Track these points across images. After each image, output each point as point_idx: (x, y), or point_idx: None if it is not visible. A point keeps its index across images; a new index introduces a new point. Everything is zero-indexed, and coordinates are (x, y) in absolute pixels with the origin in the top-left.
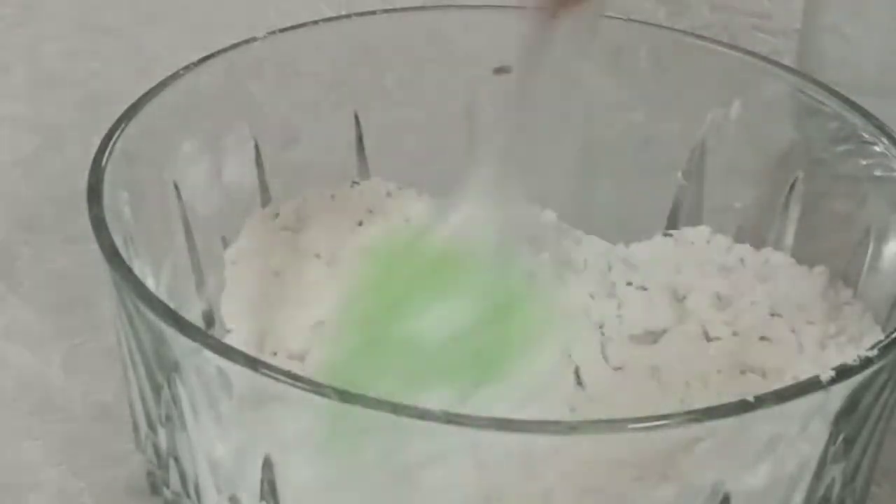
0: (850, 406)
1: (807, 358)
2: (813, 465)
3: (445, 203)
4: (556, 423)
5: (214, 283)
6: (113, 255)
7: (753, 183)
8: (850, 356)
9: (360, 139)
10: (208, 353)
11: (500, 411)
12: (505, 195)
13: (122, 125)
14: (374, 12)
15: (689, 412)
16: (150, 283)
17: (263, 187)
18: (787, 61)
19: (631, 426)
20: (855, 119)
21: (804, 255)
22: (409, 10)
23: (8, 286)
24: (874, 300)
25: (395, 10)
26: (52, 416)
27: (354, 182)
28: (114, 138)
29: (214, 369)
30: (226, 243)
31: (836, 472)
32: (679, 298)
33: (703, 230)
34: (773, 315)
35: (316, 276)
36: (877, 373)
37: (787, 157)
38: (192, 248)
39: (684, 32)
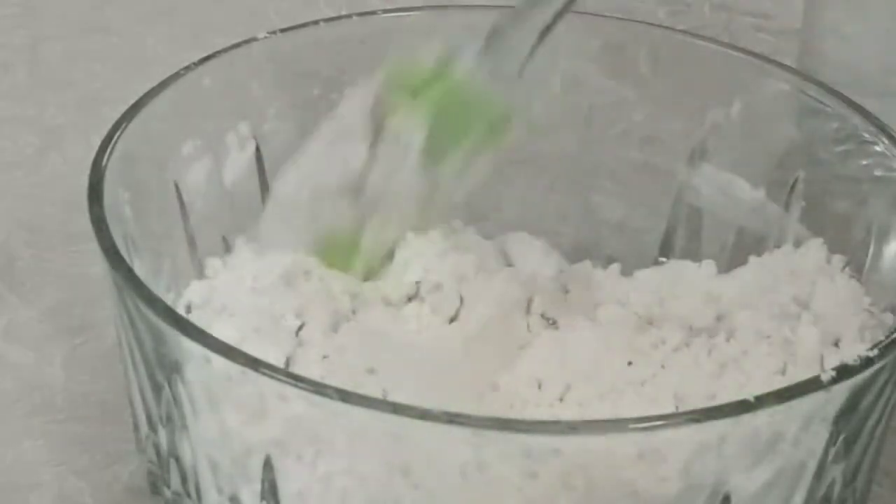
0: (851, 406)
1: None
2: (813, 465)
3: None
4: (556, 423)
5: None
6: (113, 255)
7: (753, 183)
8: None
9: None
10: (208, 353)
11: None
12: None
13: (122, 125)
14: (374, 12)
15: (689, 412)
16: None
17: (264, 187)
18: (787, 61)
19: (631, 426)
20: (855, 119)
21: None
22: (409, 10)
23: (8, 286)
24: (874, 300)
25: (395, 10)
26: (52, 416)
27: None
28: (114, 138)
29: (215, 369)
30: (226, 243)
31: (836, 472)
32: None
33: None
34: None
35: None
36: (877, 373)
37: (787, 157)
38: (192, 248)
39: (684, 32)
